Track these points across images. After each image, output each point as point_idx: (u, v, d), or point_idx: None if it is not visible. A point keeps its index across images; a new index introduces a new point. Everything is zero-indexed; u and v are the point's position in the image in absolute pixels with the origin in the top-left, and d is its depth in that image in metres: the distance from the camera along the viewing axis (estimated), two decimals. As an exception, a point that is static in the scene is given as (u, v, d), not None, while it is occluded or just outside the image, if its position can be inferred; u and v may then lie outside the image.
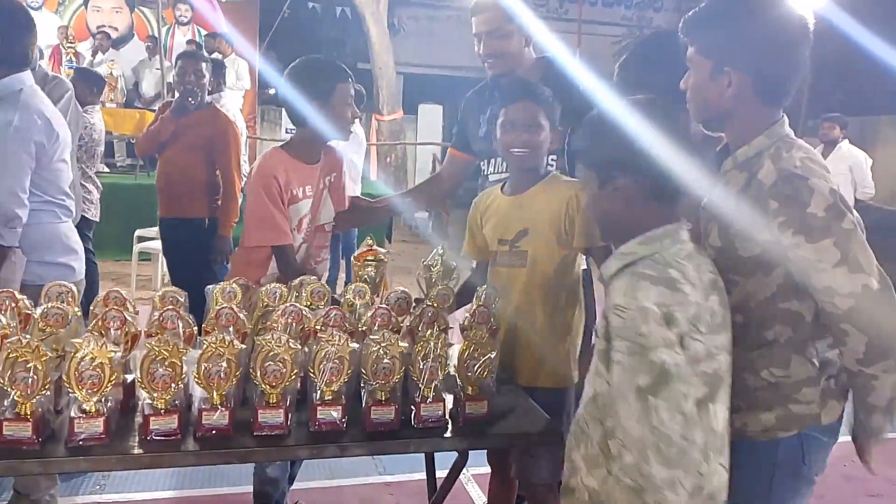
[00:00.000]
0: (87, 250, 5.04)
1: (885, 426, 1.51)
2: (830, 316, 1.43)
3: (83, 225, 4.79)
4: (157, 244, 5.69)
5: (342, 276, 5.72)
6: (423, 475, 2.63)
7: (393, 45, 11.28)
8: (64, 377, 1.53)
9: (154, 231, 5.56)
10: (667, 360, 1.30)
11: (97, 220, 4.72)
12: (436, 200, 3.17)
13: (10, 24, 2.42)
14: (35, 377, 1.50)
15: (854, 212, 1.45)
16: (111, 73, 8.78)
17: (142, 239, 6.21)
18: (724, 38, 1.53)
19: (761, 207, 1.45)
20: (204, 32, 10.17)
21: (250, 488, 2.42)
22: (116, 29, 10.41)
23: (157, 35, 9.51)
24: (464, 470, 2.41)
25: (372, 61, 11.11)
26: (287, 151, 2.47)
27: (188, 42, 9.70)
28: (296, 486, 2.73)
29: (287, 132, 11.29)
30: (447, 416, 1.75)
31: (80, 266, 2.61)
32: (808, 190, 1.42)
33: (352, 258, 2.28)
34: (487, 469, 2.36)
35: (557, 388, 2.14)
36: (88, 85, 4.77)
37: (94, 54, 9.36)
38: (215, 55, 8.77)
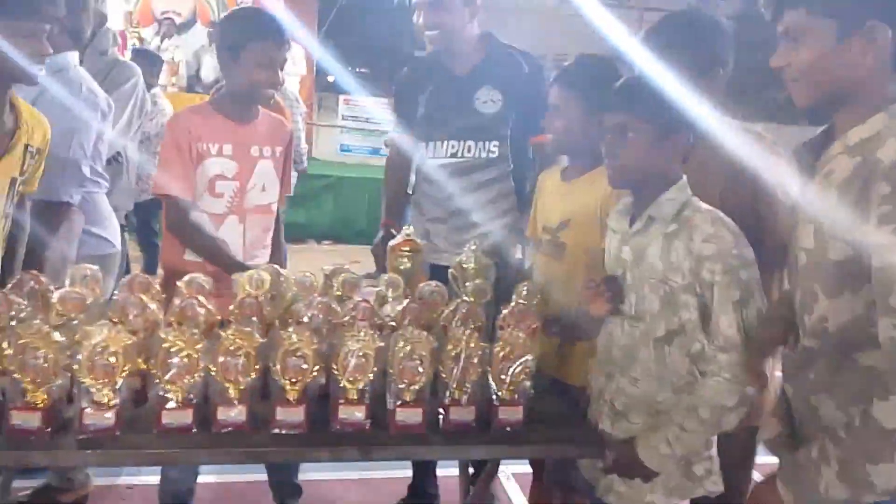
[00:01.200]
0: (153, 233, 5.14)
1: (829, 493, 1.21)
2: None
3: (160, 208, 4.87)
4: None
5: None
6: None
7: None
8: (75, 366, 1.46)
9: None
10: (751, 276, 1.55)
11: None
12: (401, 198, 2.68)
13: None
14: (46, 364, 1.44)
15: None
16: (173, 59, 8.93)
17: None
18: None
19: (867, 194, 1.18)
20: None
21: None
22: (180, 14, 10.55)
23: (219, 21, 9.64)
24: (502, 468, 2.30)
25: (428, 49, 11.01)
26: (210, 105, 2.31)
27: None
28: (308, 476, 2.64)
29: (343, 118, 11.31)
30: (478, 422, 1.62)
31: (116, 238, 2.62)
32: None
33: (388, 247, 2.16)
34: (528, 468, 2.24)
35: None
36: (147, 66, 4.82)
37: (161, 40, 9.53)
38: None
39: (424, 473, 2.61)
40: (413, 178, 2.64)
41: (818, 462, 1.22)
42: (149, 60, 4.95)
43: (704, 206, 1.64)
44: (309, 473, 2.67)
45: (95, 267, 1.84)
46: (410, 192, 2.67)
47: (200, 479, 2.31)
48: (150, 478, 2.35)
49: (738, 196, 1.80)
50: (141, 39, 9.48)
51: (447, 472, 2.56)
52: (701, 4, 13.90)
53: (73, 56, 2.49)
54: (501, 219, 2.46)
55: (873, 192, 1.18)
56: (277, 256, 2.38)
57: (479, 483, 2.07)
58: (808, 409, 1.36)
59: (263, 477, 2.51)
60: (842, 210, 1.24)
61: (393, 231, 2.43)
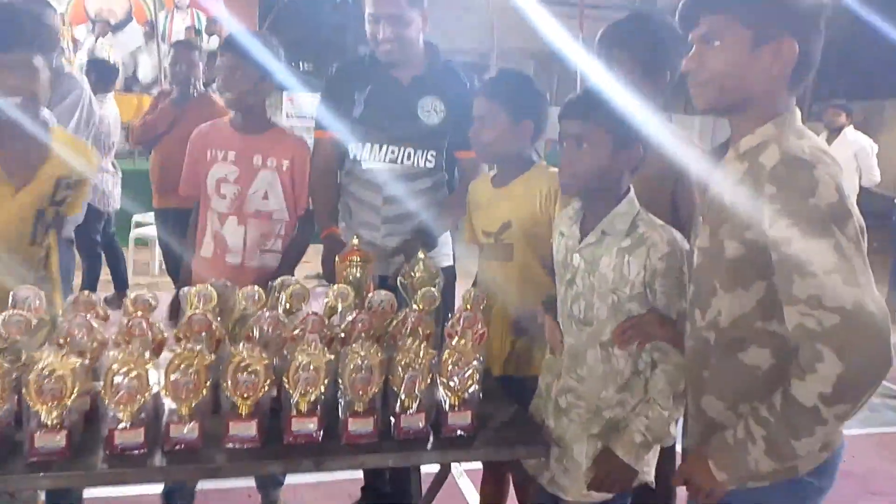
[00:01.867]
0: (112, 240, 5.05)
1: (758, 467, 1.32)
2: (807, 334, 1.22)
3: (102, 218, 4.79)
4: (153, 230, 5.65)
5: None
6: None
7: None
8: (23, 389, 1.45)
9: (151, 216, 5.52)
10: None
11: (118, 207, 4.93)
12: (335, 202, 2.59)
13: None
14: (-4, 389, 1.43)
15: (860, 218, 1.27)
16: (108, 58, 8.68)
17: (139, 224, 6.16)
18: (767, 5, 1.32)
19: (756, 195, 1.28)
20: (201, 17, 10.06)
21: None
22: (115, 13, 10.29)
23: (154, 20, 9.41)
24: (454, 466, 2.36)
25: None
26: (229, 118, 2.56)
27: (186, 28, 9.58)
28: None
29: (287, 116, 11.20)
30: (429, 428, 1.68)
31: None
32: (812, 178, 1.22)
33: (336, 258, 2.19)
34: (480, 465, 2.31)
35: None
36: (102, 76, 4.75)
37: (95, 39, 9.26)
38: (213, 38, 8.68)
39: (375, 473, 2.65)
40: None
41: (744, 441, 1.32)
42: (104, 71, 4.87)
43: (657, 221, 1.72)
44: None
45: (36, 288, 1.82)
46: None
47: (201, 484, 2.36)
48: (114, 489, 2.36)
49: (687, 195, 1.93)
50: (75, 40, 9.20)
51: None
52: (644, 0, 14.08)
53: None
54: (436, 227, 2.44)
55: (762, 194, 1.27)
56: (286, 266, 2.48)
57: (432, 484, 2.13)
58: (699, 412, 1.49)
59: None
60: (734, 211, 1.34)
61: (338, 238, 2.44)
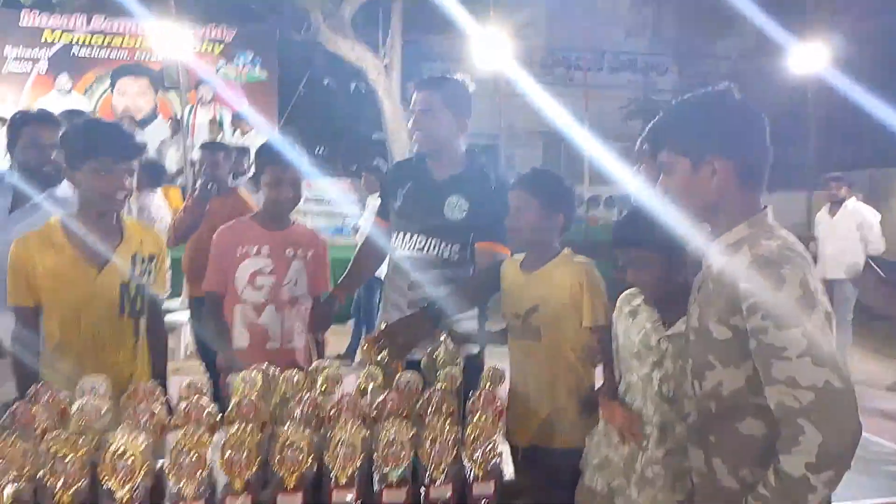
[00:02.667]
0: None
1: None
2: (788, 411, 1.40)
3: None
4: (179, 316, 5.93)
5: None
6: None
7: (405, 116, 11.70)
8: (99, 468, 1.65)
9: (177, 303, 5.81)
10: None
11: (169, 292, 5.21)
12: (367, 276, 3.20)
13: None
14: (73, 468, 1.63)
15: (828, 304, 1.46)
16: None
17: (167, 311, 6.39)
18: (702, 130, 1.61)
19: (734, 290, 1.50)
20: (222, 109, 10.63)
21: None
22: (141, 110, 10.91)
23: (179, 116, 9.96)
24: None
25: (385, 132, 11.49)
26: (252, 216, 2.86)
27: (210, 121, 10.13)
28: None
29: (306, 201, 11.62)
30: (455, 497, 1.84)
31: None
32: (779, 277, 1.45)
33: (361, 342, 2.41)
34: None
35: (576, 448, 2.26)
36: (153, 175, 5.24)
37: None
38: (237, 133, 9.19)
39: None
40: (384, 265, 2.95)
41: None
42: (155, 169, 5.36)
43: None
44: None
45: (103, 376, 2.04)
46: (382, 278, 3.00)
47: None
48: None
49: None
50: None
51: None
52: (643, 80, 14.66)
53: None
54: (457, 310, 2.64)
55: (739, 288, 1.49)
56: (316, 345, 2.79)
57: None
58: (710, 472, 1.63)
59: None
60: (718, 300, 1.55)
61: (336, 299, 2.85)
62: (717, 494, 1.60)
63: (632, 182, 2.34)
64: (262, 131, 9.51)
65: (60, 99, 10.46)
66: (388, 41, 11.06)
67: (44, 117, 2.74)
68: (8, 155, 2.79)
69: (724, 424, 1.58)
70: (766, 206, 1.63)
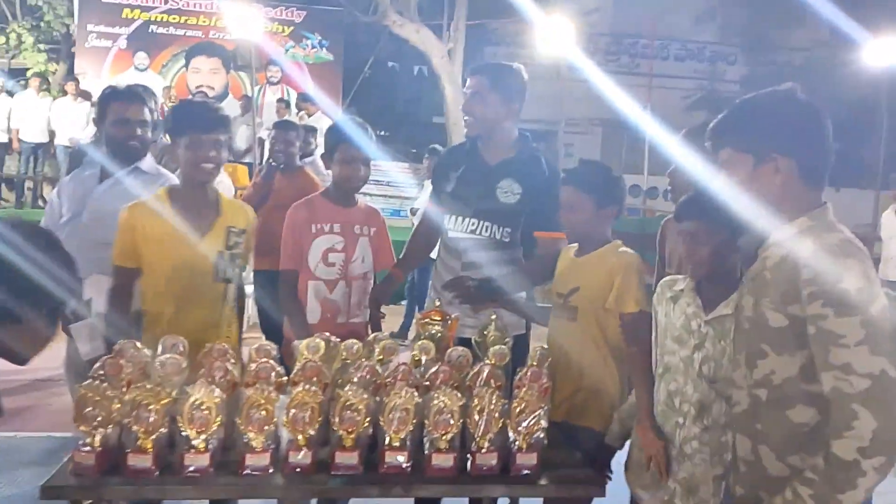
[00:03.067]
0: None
1: None
2: (843, 396, 1.45)
3: None
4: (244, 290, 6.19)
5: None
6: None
7: (466, 100, 11.76)
8: (178, 417, 1.83)
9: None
10: None
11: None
12: (423, 256, 3.29)
13: None
14: (156, 417, 1.82)
15: (885, 298, 1.49)
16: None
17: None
18: (766, 128, 1.65)
19: (795, 278, 1.54)
20: (288, 90, 10.92)
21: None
22: (213, 88, 11.31)
23: (250, 95, 10.29)
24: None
25: (446, 116, 11.62)
26: (321, 193, 2.93)
27: (277, 101, 10.41)
28: None
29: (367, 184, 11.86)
30: (500, 466, 1.96)
31: None
32: (842, 267, 1.49)
33: (415, 317, 2.54)
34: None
35: (600, 431, 2.39)
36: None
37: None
38: (302, 114, 9.43)
39: None
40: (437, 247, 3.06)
41: (793, 502, 1.51)
42: None
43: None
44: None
45: (181, 337, 2.23)
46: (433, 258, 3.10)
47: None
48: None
49: None
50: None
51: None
52: (710, 70, 14.30)
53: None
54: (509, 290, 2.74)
55: (798, 277, 1.53)
56: (375, 315, 2.87)
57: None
58: (756, 460, 1.66)
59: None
60: (775, 288, 1.59)
61: (395, 278, 2.97)
62: (764, 482, 1.63)
63: (694, 172, 2.38)
64: (327, 112, 9.74)
65: (137, 76, 10.91)
66: (453, 25, 11.16)
67: (131, 93, 2.91)
68: (96, 129, 3.00)
69: (773, 412, 1.62)
70: (826, 203, 1.67)
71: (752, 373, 1.67)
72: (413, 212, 7.74)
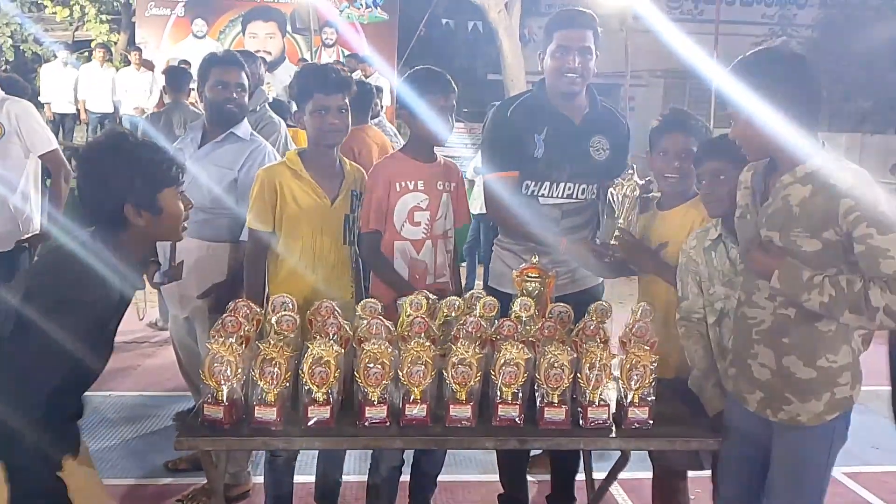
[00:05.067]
0: None
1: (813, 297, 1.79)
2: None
3: None
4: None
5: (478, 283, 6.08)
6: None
7: (524, 55, 11.57)
8: (301, 372, 1.89)
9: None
10: None
11: None
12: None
13: None
14: (279, 371, 1.88)
15: None
16: (269, 96, 9.63)
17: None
18: (753, 85, 1.83)
19: (834, 206, 1.77)
20: (345, 53, 10.90)
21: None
22: (270, 53, 11.34)
23: (307, 58, 10.31)
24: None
25: (503, 72, 11.43)
26: (401, 150, 2.79)
27: (334, 62, 10.42)
28: (442, 477, 2.88)
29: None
30: (612, 420, 1.98)
31: None
32: (877, 193, 1.77)
33: (513, 274, 2.51)
34: (632, 474, 2.54)
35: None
36: (281, 115, 5.44)
37: (252, 76, 10.27)
38: (357, 74, 9.41)
39: (515, 483, 2.85)
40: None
41: (812, 285, 1.79)
42: (282, 109, 5.55)
43: None
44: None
45: (290, 296, 2.29)
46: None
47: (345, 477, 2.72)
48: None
49: None
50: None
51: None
52: (779, 14, 13.64)
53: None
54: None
55: (838, 206, 1.76)
56: (456, 275, 2.81)
57: (608, 475, 2.41)
58: (781, 368, 1.91)
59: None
60: (808, 218, 1.81)
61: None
62: (790, 386, 1.90)
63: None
64: (384, 73, 9.70)
65: (196, 43, 11.06)
66: (510, -22, 10.89)
67: (228, 59, 2.97)
68: (198, 95, 3.06)
69: (802, 327, 1.87)
70: (824, 142, 1.88)
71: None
72: (476, 172, 7.71)
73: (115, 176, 1.75)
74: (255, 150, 2.93)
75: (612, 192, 2.51)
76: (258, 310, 2.22)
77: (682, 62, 10.82)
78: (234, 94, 2.88)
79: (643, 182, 2.54)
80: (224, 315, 2.13)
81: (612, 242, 2.48)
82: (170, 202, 1.83)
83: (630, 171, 2.50)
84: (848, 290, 1.76)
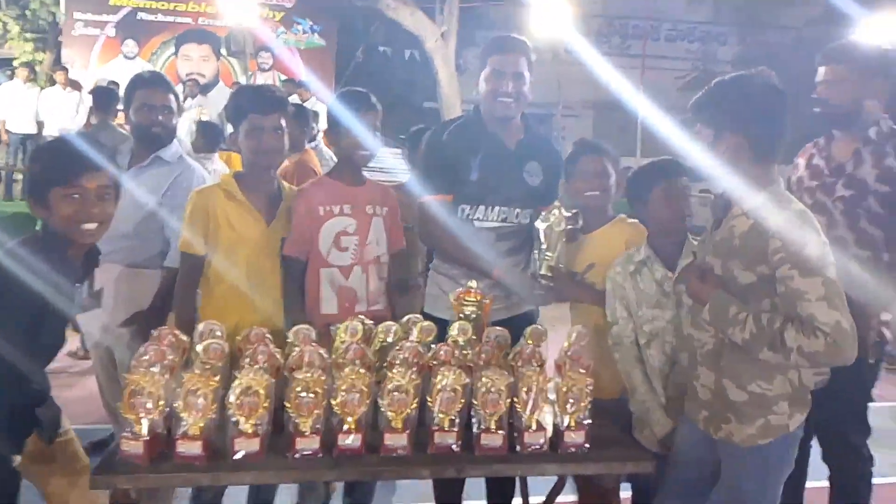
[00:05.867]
0: None
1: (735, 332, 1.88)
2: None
3: None
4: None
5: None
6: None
7: (460, 84, 11.70)
8: (227, 402, 1.81)
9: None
10: None
11: None
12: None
13: None
14: (205, 402, 1.79)
15: (834, 263, 1.83)
16: (200, 118, 9.43)
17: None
18: (723, 107, 1.94)
19: (764, 244, 1.84)
20: (282, 77, 10.80)
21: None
22: (204, 76, 11.15)
23: (241, 82, 10.17)
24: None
25: (439, 100, 11.52)
26: (328, 174, 2.75)
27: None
28: None
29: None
30: (548, 444, 1.96)
31: None
32: (804, 236, 1.82)
33: (451, 298, 2.47)
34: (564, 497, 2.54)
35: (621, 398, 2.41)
36: (211, 137, 5.31)
37: (184, 99, 10.06)
38: (293, 98, 9.33)
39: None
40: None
41: (738, 321, 1.86)
42: (213, 132, 5.44)
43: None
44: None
45: (218, 323, 2.20)
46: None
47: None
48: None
49: None
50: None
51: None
52: (702, 50, 14.28)
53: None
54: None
55: (768, 244, 1.83)
56: (392, 302, 2.70)
57: (548, 497, 2.38)
58: (719, 389, 1.98)
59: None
60: (745, 252, 1.89)
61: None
62: (727, 406, 1.97)
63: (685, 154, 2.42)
64: (322, 98, 9.64)
65: (126, 64, 10.76)
66: (446, 8, 11.03)
67: (154, 80, 2.89)
68: (125, 117, 2.96)
69: (737, 352, 1.92)
70: (779, 178, 1.95)
71: None
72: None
73: (28, 169, 1.85)
74: (182, 173, 2.84)
75: (538, 225, 2.55)
76: (184, 338, 2.12)
77: (611, 94, 11.19)
78: (161, 117, 2.80)
79: (569, 215, 2.57)
80: (147, 343, 2.03)
81: (541, 273, 2.53)
82: (57, 202, 1.90)
83: (556, 204, 2.55)
84: (767, 329, 1.81)
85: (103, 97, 5.38)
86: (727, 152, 1.92)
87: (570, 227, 2.58)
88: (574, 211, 2.67)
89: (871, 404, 2.63)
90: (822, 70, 2.62)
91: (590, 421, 2.00)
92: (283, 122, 2.49)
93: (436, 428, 1.91)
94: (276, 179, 2.61)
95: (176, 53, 11.35)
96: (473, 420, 1.95)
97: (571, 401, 1.98)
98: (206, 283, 2.50)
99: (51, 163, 1.96)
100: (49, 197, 1.90)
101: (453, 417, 1.92)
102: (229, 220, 2.46)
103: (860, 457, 2.59)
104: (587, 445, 1.96)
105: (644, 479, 2.25)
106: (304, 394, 1.83)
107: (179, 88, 10.39)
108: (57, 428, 2.05)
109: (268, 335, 2.19)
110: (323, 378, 1.87)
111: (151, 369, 1.84)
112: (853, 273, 2.48)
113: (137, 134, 2.83)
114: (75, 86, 9.63)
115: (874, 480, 2.64)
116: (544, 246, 2.53)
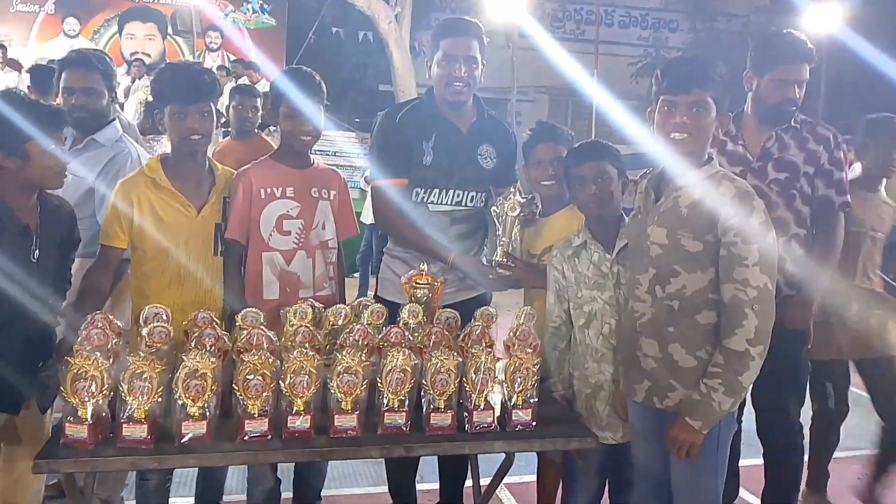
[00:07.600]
0: None
1: (722, 407, 1.95)
2: (739, 302, 1.92)
3: None
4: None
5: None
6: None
7: (414, 67, 11.64)
8: (173, 386, 1.79)
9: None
10: None
11: None
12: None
13: None
14: (150, 386, 1.77)
15: (773, 230, 1.98)
16: (147, 99, 9.17)
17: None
18: (722, 87, 2.04)
19: (713, 214, 1.95)
20: (232, 58, 10.58)
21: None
22: (149, 55, 10.84)
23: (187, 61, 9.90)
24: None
25: (394, 84, 11.44)
26: (270, 155, 2.63)
27: (218, 68, 10.07)
28: (329, 492, 2.89)
29: (313, 152, 11.65)
30: (496, 423, 1.99)
31: None
32: (751, 206, 1.95)
33: (402, 281, 2.49)
34: (519, 478, 2.60)
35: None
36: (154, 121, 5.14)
37: (132, 80, 9.77)
38: (243, 80, 9.15)
39: (401, 493, 2.84)
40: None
41: (707, 393, 1.95)
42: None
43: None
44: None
45: (164, 307, 2.16)
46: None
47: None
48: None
49: None
50: (114, 80, 9.72)
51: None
52: (653, 36, 14.52)
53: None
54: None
55: (719, 213, 1.94)
56: (341, 288, 2.68)
57: (495, 476, 2.42)
58: (666, 357, 2.04)
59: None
60: (693, 220, 1.98)
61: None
62: (674, 373, 2.03)
63: (639, 139, 2.47)
64: (271, 79, 9.48)
65: (67, 42, 10.38)
66: (399, -10, 10.94)
67: (76, 61, 2.72)
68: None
69: (684, 318, 2.01)
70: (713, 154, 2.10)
71: (663, 288, 2.04)
72: (367, 181, 7.66)
73: None
74: (116, 157, 2.73)
75: (494, 210, 2.57)
76: (118, 323, 2.07)
77: (565, 79, 11.28)
78: (84, 101, 2.67)
79: (524, 200, 2.59)
80: (89, 328, 1.98)
81: (496, 259, 2.55)
82: (38, 152, 2.06)
83: (511, 190, 2.56)
84: (724, 369, 1.93)
85: (41, 77, 5.15)
86: (711, 128, 2.02)
87: (525, 212, 2.60)
88: (530, 195, 2.70)
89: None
90: (801, 69, 2.67)
91: (536, 399, 2.04)
92: (211, 106, 2.38)
93: (386, 409, 1.93)
94: (209, 161, 2.52)
95: (120, 32, 11.00)
96: (424, 400, 1.97)
97: (519, 380, 2.01)
98: (138, 275, 2.45)
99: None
100: (27, 147, 2.05)
101: (402, 398, 1.94)
102: (154, 209, 2.39)
103: (793, 427, 2.71)
104: (534, 423, 2.00)
105: (620, 471, 2.38)
106: (251, 376, 1.82)
107: (124, 69, 10.12)
108: (54, 396, 2.04)
109: (216, 319, 2.17)
110: (271, 360, 1.87)
111: (94, 353, 1.80)
112: (796, 251, 2.62)
113: (70, 116, 2.71)
114: (13, 65, 9.25)
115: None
116: (500, 231, 2.55)
